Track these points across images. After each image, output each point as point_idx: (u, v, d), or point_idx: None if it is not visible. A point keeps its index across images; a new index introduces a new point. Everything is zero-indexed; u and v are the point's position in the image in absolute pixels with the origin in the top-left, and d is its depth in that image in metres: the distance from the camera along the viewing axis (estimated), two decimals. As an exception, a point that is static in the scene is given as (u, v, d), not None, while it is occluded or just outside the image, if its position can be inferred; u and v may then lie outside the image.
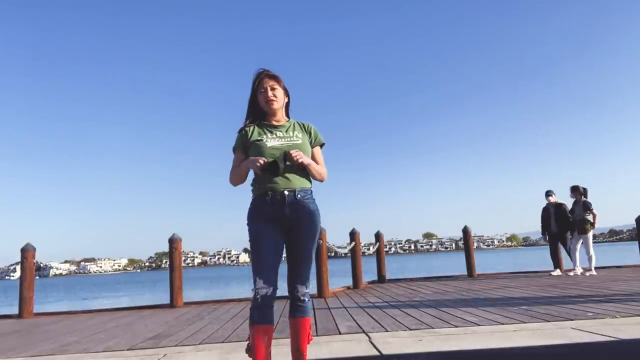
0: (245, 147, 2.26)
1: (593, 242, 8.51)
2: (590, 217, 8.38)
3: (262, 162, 2.12)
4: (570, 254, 8.71)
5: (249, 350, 2.12)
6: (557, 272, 8.88)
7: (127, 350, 3.64)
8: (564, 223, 8.86)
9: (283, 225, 2.19)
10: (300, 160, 2.15)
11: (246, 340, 3.60)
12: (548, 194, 9.26)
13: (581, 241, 8.50)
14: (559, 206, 9.04)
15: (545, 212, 9.23)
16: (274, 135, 2.24)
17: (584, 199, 8.58)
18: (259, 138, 2.23)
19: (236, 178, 2.26)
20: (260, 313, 2.08)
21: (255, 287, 2.10)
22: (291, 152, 2.14)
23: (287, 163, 2.16)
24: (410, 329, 3.67)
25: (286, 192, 2.16)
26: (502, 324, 3.66)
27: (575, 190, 8.72)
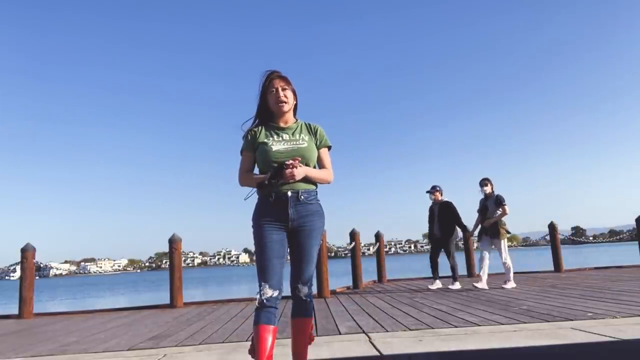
0: (253, 148, 2.25)
1: (593, 243, 8.32)
2: (499, 213, 6.73)
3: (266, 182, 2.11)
4: (480, 260, 6.97)
5: (253, 351, 2.12)
6: (437, 284, 7.40)
7: (127, 350, 3.64)
8: (449, 226, 7.25)
9: (287, 227, 2.18)
10: (292, 180, 2.11)
11: (247, 340, 3.62)
12: (432, 189, 7.48)
13: (493, 246, 6.88)
14: (444, 205, 7.34)
15: (429, 212, 7.57)
16: (280, 138, 2.23)
17: (497, 193, 6.93)
18: (265, 141, 2.22)
19: (245, 184, 2.26)
20: (264, 314, 2.07)
21: (260, 288, 2.09)
22: (285, 171, 2.09)
23: (275, 180, 2.11)
24: (411, 329, 3.68)
25: (289, 193, 2.16)
26: (502, 324, 3.66)
27: (487, 184, 6.98)
